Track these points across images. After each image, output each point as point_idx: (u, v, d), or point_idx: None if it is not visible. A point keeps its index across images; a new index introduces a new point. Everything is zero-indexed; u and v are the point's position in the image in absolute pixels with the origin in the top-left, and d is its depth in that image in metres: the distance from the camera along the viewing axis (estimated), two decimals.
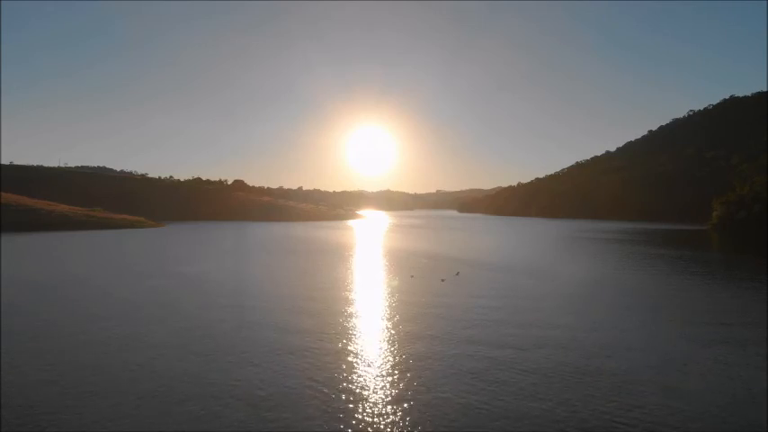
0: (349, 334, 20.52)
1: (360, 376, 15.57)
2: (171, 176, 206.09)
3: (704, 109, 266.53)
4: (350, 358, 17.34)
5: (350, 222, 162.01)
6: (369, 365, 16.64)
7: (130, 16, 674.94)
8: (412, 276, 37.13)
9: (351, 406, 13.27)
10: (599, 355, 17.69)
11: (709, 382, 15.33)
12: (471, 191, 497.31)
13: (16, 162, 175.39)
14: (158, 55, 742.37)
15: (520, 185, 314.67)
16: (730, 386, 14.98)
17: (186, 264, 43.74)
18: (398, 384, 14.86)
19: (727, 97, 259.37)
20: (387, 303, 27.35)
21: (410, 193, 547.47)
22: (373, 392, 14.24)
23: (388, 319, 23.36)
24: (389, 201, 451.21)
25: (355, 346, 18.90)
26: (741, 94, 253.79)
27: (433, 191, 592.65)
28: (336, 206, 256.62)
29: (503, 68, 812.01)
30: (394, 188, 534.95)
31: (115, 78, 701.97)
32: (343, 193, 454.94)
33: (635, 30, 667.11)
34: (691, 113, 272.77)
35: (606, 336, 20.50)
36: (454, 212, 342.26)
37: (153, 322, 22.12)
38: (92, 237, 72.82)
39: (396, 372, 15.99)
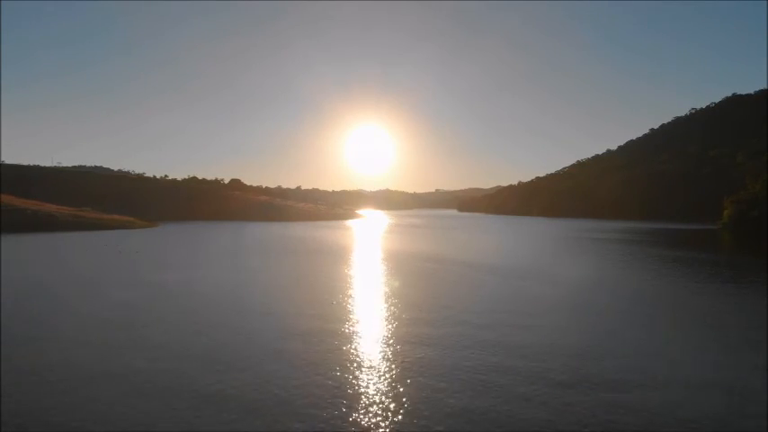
0: (347, 338, 18.19)
1: (358, 380, 14.80)
2: (166, 176, 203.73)
3: (706, 107, 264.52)
4: (347, 362, 16.02)
5: (349, 222, 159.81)
6: (366, 369, 15.74)
7: (130, 16, 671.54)
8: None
9: (349, 409, 12.97)
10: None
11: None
12: (471, 190, 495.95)
13: (15, 162, 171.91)
14: (157, 55, 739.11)
15: (520, 184, 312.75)
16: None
17: (169, 270, 40.79)
18: (395, 387, 14.59)
19: (729, 95, 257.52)
20: (384, 306, 24.86)
21: (409, 192, 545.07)
22: (371, 396, 13.93)
23: (385, 322, 21.48)
24: (389, 200, 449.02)
25: (353, 349, 17.10)
26: (744, 92, 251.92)
27: (433, 190, 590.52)
28: (335, 205, 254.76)
29: (502, 68, 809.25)
30: (393, 187, 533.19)
31: (114, 78, 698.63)
32: (343, 192, 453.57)
33: (635, 29, 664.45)
34: (693, 111, 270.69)
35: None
36: (454, 212, 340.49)
37: (112, 346, 19.47)
38: (76, 238, 70.11)
39: (391, 374, 15.67)
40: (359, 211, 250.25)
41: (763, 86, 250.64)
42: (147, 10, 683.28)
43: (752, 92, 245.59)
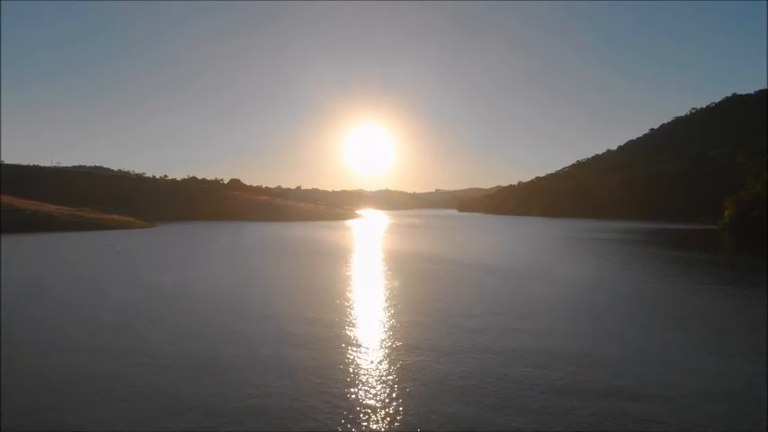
0: (345, 343, 18.05)
1: (355, 386, 14.38)
2: (166, 176, 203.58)
3: (706, 107, 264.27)
4: (344, 368, 15.26)
5: (349, 222, 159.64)
6: (363, 375, 15.32)
7: (130, 16, 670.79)
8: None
9: (344, 415, 12.72)
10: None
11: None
12: (470, 190, 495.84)
13: (15, 162, 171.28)
14: (157, 55, 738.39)
15: (520, 184, 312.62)
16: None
17: (168, 270, 40.58)
18: (391, 393, 14.28)
19: (729, 95, 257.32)
20: (383, 309, 24.72)
21: (409, 192, 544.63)
22: (367, 402, 13.71)
23: (383, 326, 21.20)
24: (389, 200, 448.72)
25: (350, 354, 16.66)
26: (744, 92, 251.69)
27: (432, 190, 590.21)
28: (335, 205, 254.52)
29: (502, 68, 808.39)
30: (393, 187, 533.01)
31: (114, 78, 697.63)
32: (342, 192, 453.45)
33: (635, 29, 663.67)
34: (693, 111, 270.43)
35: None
36: (454, 212, 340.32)
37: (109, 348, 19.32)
38: (75, 238, 69.94)
39: (388, 380, 15.17)
40: (359, 211, 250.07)
41: (763, 86, 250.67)
42: (147, 10, 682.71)
43: (752, 92, 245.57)
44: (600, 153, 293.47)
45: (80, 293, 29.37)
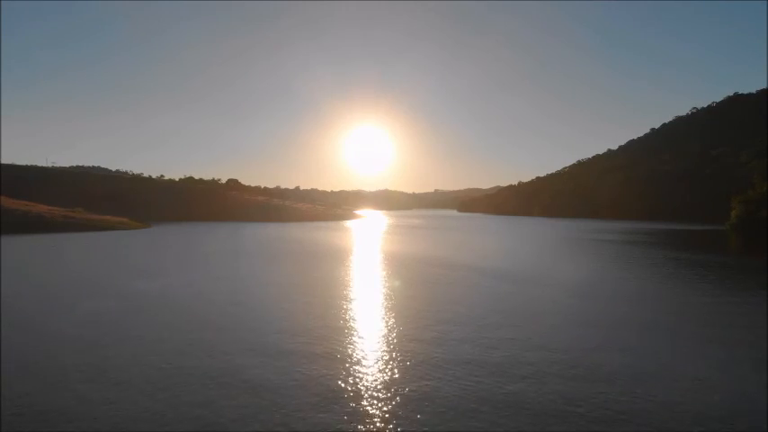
0: (343, 382, 16.08)
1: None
2: (163, 176, 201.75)
3: (708, 106, 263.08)
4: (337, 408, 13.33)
5: (348, 223, 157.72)
6: (364, 384, 13.00)
7: (130, 16, 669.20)
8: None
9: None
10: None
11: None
12: (470, 190, 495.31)
13: (11, 162, 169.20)
14: (157, 55, 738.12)
15: (521, 184, 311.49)
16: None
17: (150, 276, 38.07)
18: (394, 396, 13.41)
19: (731, 94, 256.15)
20: (382, 322, 22.84)
21: (408, 192, 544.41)
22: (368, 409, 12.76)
23: (385, 342, 19.19)
24: (388, 200, 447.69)
25: (346, 388, 14.82)
26: (744, 92, 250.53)
27: (432, 190, 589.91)
28: (334, 206, 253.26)
29: (502, 68, 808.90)
30: (392, 188, 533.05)
31: (113, 78, 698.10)
32: (341, 192, 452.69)
33: (635, 30, 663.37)
34: (694, 111, 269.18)
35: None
36: (454, 212, 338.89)
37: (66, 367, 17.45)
38: (60, 239, 67.89)
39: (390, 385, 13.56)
40: (358, 212, 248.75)
41: (763, 86, 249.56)
42: (147, 10, 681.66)
43: (753, 91, 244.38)
44: (600, 153, 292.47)
45: (45, 302, 27.42)
